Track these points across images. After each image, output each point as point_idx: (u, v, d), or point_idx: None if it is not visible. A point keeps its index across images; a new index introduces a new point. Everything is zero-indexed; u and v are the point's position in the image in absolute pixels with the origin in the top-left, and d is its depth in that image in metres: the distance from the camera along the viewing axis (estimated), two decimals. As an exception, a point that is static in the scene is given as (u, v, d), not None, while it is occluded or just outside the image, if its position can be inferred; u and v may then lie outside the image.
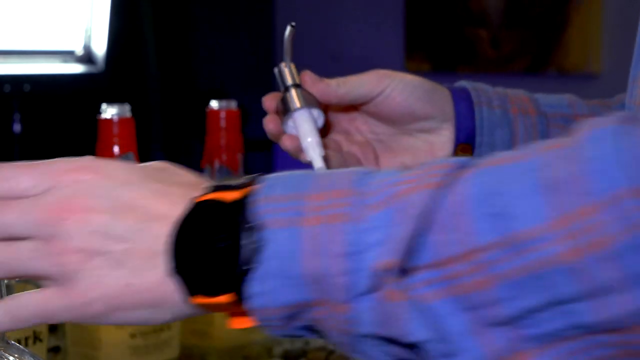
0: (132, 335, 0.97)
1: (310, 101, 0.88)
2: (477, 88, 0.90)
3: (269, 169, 4.13)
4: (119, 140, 0.98)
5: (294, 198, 0.51)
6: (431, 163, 0.52)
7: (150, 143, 3.93)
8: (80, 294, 0.54)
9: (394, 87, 0.88)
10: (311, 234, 0.50)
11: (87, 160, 0.59)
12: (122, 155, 0.97)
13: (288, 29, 0.94)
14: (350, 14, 4.05)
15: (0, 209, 0.56)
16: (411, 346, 0.50)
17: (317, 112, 0.88)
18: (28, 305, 0.57)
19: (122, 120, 0.97)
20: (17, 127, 3.47)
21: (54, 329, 1.02)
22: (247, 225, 0.51)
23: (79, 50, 3.75)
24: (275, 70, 0.93)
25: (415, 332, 0.49)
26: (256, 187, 0.53)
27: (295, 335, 0.54)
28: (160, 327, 1.00)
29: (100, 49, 3.74)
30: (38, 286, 0.90)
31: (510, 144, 0.88)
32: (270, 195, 0.52)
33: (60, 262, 0.54)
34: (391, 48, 3.98)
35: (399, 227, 0.49)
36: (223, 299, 0.52)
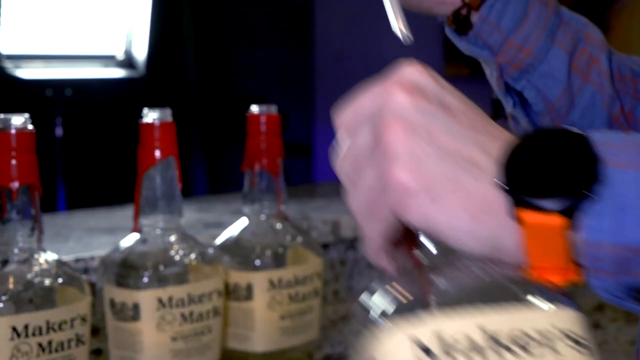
0: (174, 339, 0.98)
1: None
2: None
3: (309, 173, 4.14)
4: (160, 144, 0.98)
5: (633, 146, 0.50)
6: None
7: (190, 147, 3.95)
8: (398, 177, 0.51)
9: None
10: None
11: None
12: (164, 160, 0.98)
13: None
14: (390, 23, 4.04)
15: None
16: None
17: None
18: (375, 208, 0.54)
19: (163, 125, 0.98)
20: (58, 131, 3.51)
21: (96, 331, 1.02)
22: (593, 155, 0.50)
23: (120, 55, 3.78)
24: None
25: None
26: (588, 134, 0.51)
27: (616, 295, 0.50)
28: (201, 331, 1.00)
29: (141, 53, 3.77)
30: (80, 288, 0.91)
31: (518, 21, 0.88)
32: (606, 141, 0.50)
33: (387, 140, 0.52)
34: (430, 53, 3.97)
35: None
36: (553, 220, 0.49)
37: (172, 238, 1.01)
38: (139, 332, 0.97)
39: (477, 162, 0.51)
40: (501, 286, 0.50)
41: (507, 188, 0.50)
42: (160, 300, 0.97)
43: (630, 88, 0.92)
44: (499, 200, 0.50)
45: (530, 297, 0.49)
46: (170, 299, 0.98)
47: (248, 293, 1.09)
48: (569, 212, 0.49)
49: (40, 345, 0.86)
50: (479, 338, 0.46)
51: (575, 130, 0.52)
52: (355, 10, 4.15)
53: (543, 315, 0.47)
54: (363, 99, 0.56)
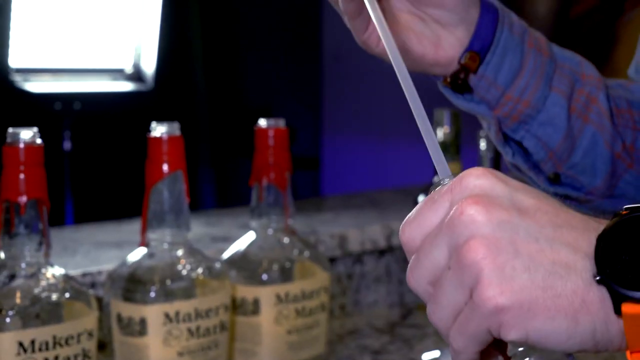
0: (180, 354, 0.98)
1: None
2: (504, 9, 0.87)
3: (317, 186, 4.14)
4: (169, 158, 0.98)
5: None
6: None
7: (198, 161, 3.95)
8: (489, 297, 0.51)
9: None
10: None
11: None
12: (171, 174, 0.98)
13: None
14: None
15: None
16: None
17: None
18: (468, 326, 0.53)
19: (171, 139, 0.98)
20: (67, 145, 3.51)
21: (102, 347, 1.02)
22: None
23: (129, 69, 3.79)
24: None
25: None
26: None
27: None
28: (208, 346, 1.00)
29: (149, 67, 3.78)
30: (88, 303, 0.91)
31: (515, 74, 0.85)
32: None
33: (468, 260, 0.52)
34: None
35: None
36: None
37: (180, 252, 1.01)
38: (146, 347, 0.97)
39: (567, 263, 0.51)
40: None
41: (607, 284, 0.50)
42: (167, 315, 0.97)
43: (629, 121, 0.89)
44: (596, 297, 0.50)
45: None
46: (177, 313, 0.97)
47: (255, 307, 1.09)
48: None
49: (47, 360, 0.86)
50: None
51: None
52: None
53: None
54: (430, 214, 0.55)
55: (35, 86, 3.49)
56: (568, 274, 0.51)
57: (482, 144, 1.51)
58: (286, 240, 1.13)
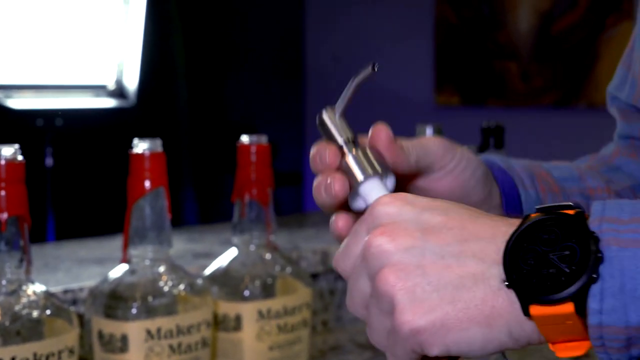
0: (162, 370, 0.97)
1: (381, 164, 0.67)
2: (510, 167, 0.82)
3: (300, 202, 4.14)
4: (150, 174, 0.98)
5: (637, 221, 0.51)
6: None
7: (181, 177, 3.95)
8: (404, 321, 0.54)
9: (457, 162, 0.72)
10: None
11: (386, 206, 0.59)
12: (153, 190, 0.98)
13: (366, 70, 0.73)
14: (381, 49, 4.06)
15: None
16: None
17: (391, 182, 0.68)
18: (396, 349, 0.56)
19: (153, 155, 0.98)
20: (49, 161, 3.50)
21: (84, 363, 1.02)
22: (593, 235, 0.51)
23: (111, 85, 3.78)
24: (325, 116, 0.71)
25: None
26: (591, 210, 0.53)
27: None
28: (190, 362, 1.00)
29: (132, 83, 3.77)
30: (69, 320, 0.90)
31: None
32: (605, 216, 0.52)
33: (381, 289, 0.55)
34: (421, 81, 3.99)
35: None
36: (563, 308, 0.51)
37: (161, 269, 1.01)
38: (128, 363, 0.97)
39: (474, 274, 0.53)
40: None
41: (515, 288, 0.52)
42: (148, 332, 0.97)
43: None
44: (505, 302, 0.53)
45: None
46: (158, 330, 0.97)
47: (237, 324, 1.08)
48: (575, 297, 0.51)
49: (27, 377, 0.86)
50: None
51: (572, 207, 0.53)
52: (347, 39, 4.17)
53: None
54: (352, 246, 0.59)
55: (17, 102, 3.48)
56: (476, 284, 0.53)
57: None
58: (268, 256, 1.12)
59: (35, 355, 0.87)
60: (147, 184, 0.98)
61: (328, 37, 4.23)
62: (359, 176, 0.65)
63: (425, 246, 0.55)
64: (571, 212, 0.53)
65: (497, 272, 0.53)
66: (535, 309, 0.52)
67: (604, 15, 3.52)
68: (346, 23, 4.17)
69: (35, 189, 0.93)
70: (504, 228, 0.55)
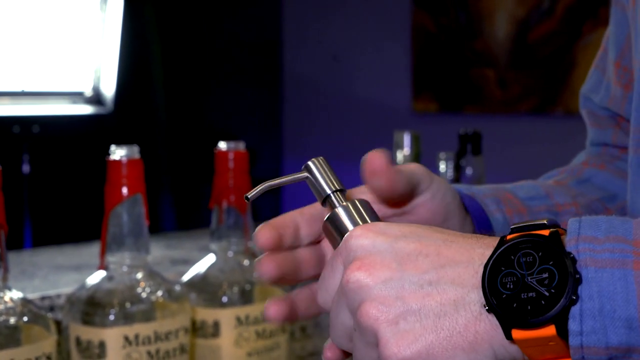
0: (140, 377, 0.97)
1: (372, 216, 0.65)
2: (474, 194, 0.81)
3: (277, 210, 4.14)
4: (128, 181, 0.98)
5: (613, 240, 0.52)
6: None
7: (159, 184, 3.94)
8: (390, 355, 0.54)
9: (437, 187, 0.73)
10: None
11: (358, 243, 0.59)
12: (131, 197, 0.98)
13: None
14: (358, 57, 4.07)
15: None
16: None
17: None
18: None
19: (130, 162, 0.98)
20: (26, 168, 3.49)
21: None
22: (570, 257, 0.51)
23: (88, 92, 3.77)
24: (313, 166, 0.67)
25: None
26: (567, 227, 0.53)
27: None
28: (168, 368, 1.00)
29: (109, 90, 3.76)
30: (46, 326, 0.90)
31: None
32: (582, 235, 0.52)
33: (364, 324, 0.55)
34: (399, 89, 4.00)
35: None
36: (545, 332, 0.51)
37: (139, 275, 1.00)
38: (105, 370, 0.96)
39: (455, 300, 0.54)
40: None
41: (495, 313, 0.53)
42: (126, 338, 0.96)
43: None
44: (487, 326, 0.53)
45: None
46: (136, 336, 0.97)
47: (215, 330, 1.08)
48: (556, 319, 0.51)
49: (4, 384, 0.86)
50: None
51: (546, 226, 0.54)
52: (324, 47, 4.17)
53: None
54: (330, 280, 0.60)
55: (-7, 109, 3.47)
56: (457, 310, 0.54)
57: (442, 166, 1.52)
58: (246, 262, 1.13)
59: (12, 362, 0.86)
60: (125, 190, 0.98)
61: (306, 44, 4.23)
62: (350, 227, 0.63)
63: (402, 277, 0.55)
64: (546, 232, 0.53)
65: (476, 296, 0.53)
66: (517, 333, 0.52)
67: (580, 23, 3.54)
68: (324, 32, 4.18)
69: (12, 195, 0.93)
70: (480, 250, 0.55)
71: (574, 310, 0.51)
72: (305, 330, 1.46)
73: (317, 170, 0.67)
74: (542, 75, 3.65)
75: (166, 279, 1.03)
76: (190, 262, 1.23)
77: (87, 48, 3.67)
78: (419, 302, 0.54)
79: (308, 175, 0.67)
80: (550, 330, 0.51)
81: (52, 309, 1.12)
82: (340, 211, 0.64)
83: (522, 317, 0.52)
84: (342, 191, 0.66)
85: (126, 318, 0.97)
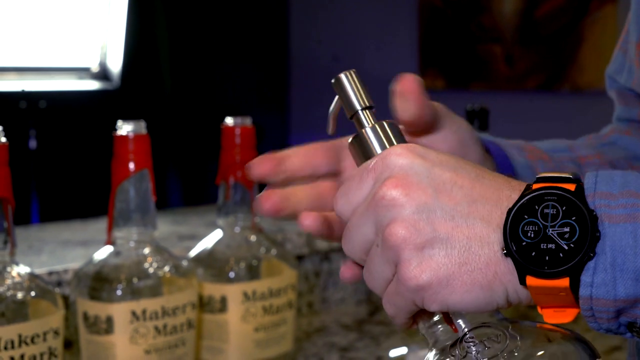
0: (147, 352, 0.97)
1: (401, 140, 0.63)
2: (495, 140, 0.83)
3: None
4: (134, 156, 0.98)
5: (626, 196, 0.53)
6: None
7: (166, 159, 3.94)
8: (410, 277, 0.55)
9: (458, 123, 0.74)
10: None
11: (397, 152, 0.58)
12: (138, 172, 0.98)
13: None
14: (365, 33, 4.06)
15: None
16: None
17: None
18: (396, 299, 0.57)
19: (137, 137, 0.98)
20: (32, 143, 3.49)
21: (69, 345, 1.02)
22: (591, 214, 0.53)
23: (95, 67, 3.77)
24: (345, 79, 0.65)
25: None
26: (584, 182, 0.55)
27: (614, 331, 0.55)
28: (175, 344, 1.00)
29: (115, 65, 3.76)
30: (53, 301, 0.90)
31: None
32: (599, 191, 0.54)
33: (393, 245, 0.55)
34: (405, 65, 3.99)
35: None
36: (558, 282, 0.53)
37: (146, 250, 1.01)
38: (112, 345, 0.97)
39: (481, 237, 0.55)
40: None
41: (512, 257, 0.54)
42: (133, 313, 0.97)
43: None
44: (506, 269, 0.54)
45: None
46: (144, 311, 0.97)
47: (222, 305, 1.09)
48: (572, 271, 0.52)
49: (12, 358, 0.86)
50: None
51: (571, 179, 0.55)
52: (331, 22, 4.16)
53: None
54: (356, 191, 0.59)
55: (0, 85, 3.47)
56: (482, 247, 0.55)
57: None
58: (253, 238, 1.13)
59: (20, 336, 0.87)
60: (131, 166, 0.98)
61: (312, 20, 4.22)
62: (378, 150, 0.61)
63: (436, 204, 0.55)
64: (572, 186, 0.54)
65: (500, 237, 0.55)
66: (531, 280, 0.53)
67: (588, -1, 3.53)
68: (330, 7, 4.16)
69: (18, 171, 0.93)
70: (507, 192, 0.56)
71: (589, 263, 0.52)
72: (312, 306, 1.46)
73: (349, 84, 0.65)
74: (549, 52, 3.64)
75: (173, 255, 1.03)
76: (197, 238, 1.24)
77: (93, 23, 3.67)
78: (448, 232, 0.55)
79: (341, 83, 0.65)
80: (563, 282, 0.53)
81: (59, 284, 1.13)
82: (368, 131, 0.63)
83: (539, 266, 0.53)
84: (371, 108, 0.64)
85: (133, 293, 0.97)
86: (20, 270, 0.90)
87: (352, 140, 0.64)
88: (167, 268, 1.01)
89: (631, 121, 0.92)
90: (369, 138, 0.62)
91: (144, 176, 0.99)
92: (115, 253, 1.00)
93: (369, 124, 0.63)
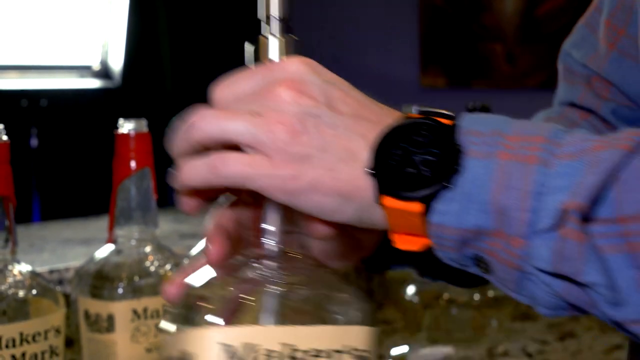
0: (148, 350, 0.98)
1: None
2: None
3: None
4: (136, 155, 0.98)
5: (492, 134, 0.55)
6: (626, 130, 0.55)
7: (167, 158, 3.94)
8: (288, 166, 0.56)
9: None
10: (504, 168, 0.54)
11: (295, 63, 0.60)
12: (139, 171, 0.98)
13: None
14: (366, 30, 4.06)
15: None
16: (581, 286, 0.53)
17: None
18: (235, 163, 0.58)
19: (138, 135, 0.98)
20: (33, 142, 3.49)
21: (70, 343, 1.02)
22: (455, 147, 0.55)
23: (96, 65, 3.77)
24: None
25: (589, 273, 0.52)
26: (459, 120, 0.57)
27: (460, 263, 0.56)
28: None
29: (117, 64, 3.76)
30: (55, 300, 0.91)
31: None
32: (471, 129, 0.56)
33: (272, 130, 0.56)
34: (406, 63, 3.99)
35: (586, 177, 0.52)
36: (411, 206, 0.55)
37: (147, 249, 1.01)
38: (114, 343, 0.97)
39: (355, 151, 0.57)
40: (309, 302, 0.58)
41: (374, 175, 0.56)
42: (135, 312, 0.97)
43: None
44: (367, 185, 0.56)
45: (330, 315, 0.57)
46: (145, 310, 0.97)
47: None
48: (426, 198, 0.54)
49: (13, 357, 0.86)
50: (279, 349, 0.53)
51: (451, 117, 0.57)
52: (333, 21, 4.16)
53: (337, 334, 0.56)
54: (244, 83, 0.60)
55: (1, 83, 3.47)
56: (353, 161, 0.56)
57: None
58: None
59: (21, 335, 0.87)
60: (133, 164, 0.98)
61: (314, 19, 4.22)
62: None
63: (324, 112, 0.57)
64: (448, 122, 0.56)
65: (370, 155, 0.56)
66: (387, 200, 0.55)
67: (589, -3, 3.53)
68: (332, 5, 4.16)
69: (20, 169, 0.93)
70: (389, 120, 0.58)
71: (444, 192, 0.54)
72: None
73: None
74: (550, 50, 3.63)
75: (174, 253, 1.04)
76: (198, 236, 1.24)
77: (94, 22, 3.67)
78: (328, 139, 0.56)
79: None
80: (416, 207, 0.54)
81: (60, 282, 1.13)
82: (273, 42, 0.63)
83: (396, 188, 0.55)
84: (285, 21, 0.63)
85: (135, 292, 0.97)
86: (21, 268, 0.91)
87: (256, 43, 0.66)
88: (168, 266, 1.01)
89: (570, 105, 0.93)
90: (270, 47, 0.64)
91: (145, 174, 0.99)
92: (117, 251, 1.00)
93: (276, 35, 0.63)
